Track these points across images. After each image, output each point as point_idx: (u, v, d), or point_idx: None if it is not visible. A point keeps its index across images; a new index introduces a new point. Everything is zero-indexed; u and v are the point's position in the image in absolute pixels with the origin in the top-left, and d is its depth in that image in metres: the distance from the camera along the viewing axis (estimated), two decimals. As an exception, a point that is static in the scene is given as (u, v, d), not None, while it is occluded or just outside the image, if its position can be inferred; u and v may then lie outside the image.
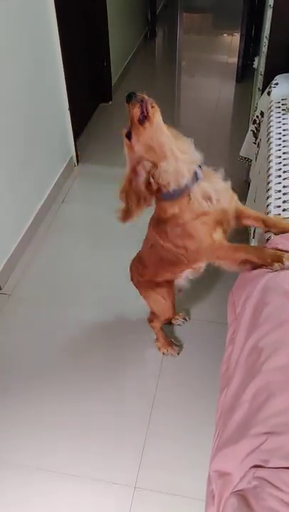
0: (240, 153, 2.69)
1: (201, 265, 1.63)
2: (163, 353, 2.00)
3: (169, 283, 1.77)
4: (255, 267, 1.40)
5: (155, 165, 1.37)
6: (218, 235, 1.43)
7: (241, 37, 4.17)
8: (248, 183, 2.86)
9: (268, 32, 2.42)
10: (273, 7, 2.34)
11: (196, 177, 1.40)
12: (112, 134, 3.65)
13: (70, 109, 2.95)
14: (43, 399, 1.86)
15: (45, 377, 1.94)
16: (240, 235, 2.47)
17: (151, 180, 1.39)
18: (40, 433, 1.76)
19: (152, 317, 1.93)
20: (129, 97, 1.40)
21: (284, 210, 1.60)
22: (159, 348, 2.01)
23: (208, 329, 2.10)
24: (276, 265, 1.34)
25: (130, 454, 1.69)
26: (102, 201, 2.92)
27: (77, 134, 3.21)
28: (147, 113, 1.36)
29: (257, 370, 1.09)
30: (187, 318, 2.15)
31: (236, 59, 4.35)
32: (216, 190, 1.42)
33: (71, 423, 1.79)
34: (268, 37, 2.44)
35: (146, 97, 1.38)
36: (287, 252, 1.37)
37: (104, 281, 2.35)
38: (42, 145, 2.68)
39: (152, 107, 1.37)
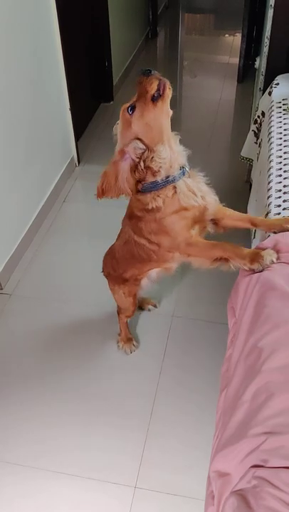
0: (242, 154, 2.69)
1: (172, 265, 1.62)
2: (118, 347, 2.01)
3: (135, 282, 1.76)
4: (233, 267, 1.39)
5: (149, 148, 1.32)
6: (195, 232, 1.42)
7: (243, 37, 4.16)
8: (249, 184, 2.87)
9: (269, 32, 2.42)
10: (274, 7, 2.34)
11: (182, 172, 1.38)
12: (114, 134, 3.66)
13: (72, 109, 2.95)
14: (43, 398, 1.86)
15: (46, 377, 1.94)
16: (242, 236, 2.48)
17: (140, 164, 1.32)
18: (40, 432, 1.76)
19: (119, 310, 1.95)
20: (148, 72, 1.34)
21: (284, 209, 1.60)
22: (117, 341, 2.03)
23: (208, 329, 2.09)
24: (256, 265, 1.31)
25: (130, 454, 1.69)
26: (102, 201, 2.91)
27: (78, 134, 3.21)
28: (164, 91, 1.32)
29: (257, 371, 1.09)
30: (157, 305, 2.19)
31: (238, 59, 4.35)
32: (199, 189, 1.42)
33: (71, 422, 1.79)
34: (268, 37, 2.44)
35: (163, 78, 1.33)
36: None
37: (104, 281, 2.35)
38: (43, 145, 2.69)
39: (169, 88, 1.33)
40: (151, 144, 1.31)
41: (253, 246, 1.89)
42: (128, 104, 1.34)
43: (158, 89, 1.32)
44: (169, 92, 1.33)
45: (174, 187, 1.37)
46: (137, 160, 1.32)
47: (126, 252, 1.64)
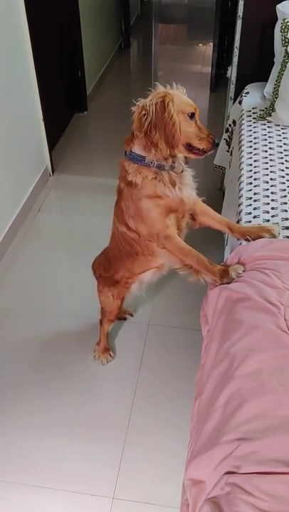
0: (214, 162, 2.72)
1: (161, 261, 1.65)
2: (94, 357, 2.02)
3: (126, 284, 1.78)
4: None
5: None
6: (171, 222, 1.47)
7: (214, 47, 4.23)
8: (222, 191, 2.90)
9: (238, 42, 2.47)
10: (242, 18, 2.38)
11: (172, 167, 1.46)
12: (88, 144, 3.67)
13: (44, 119, 2.95)
14: (18, 410, 1.84)
15: (22, 388, 1.92)
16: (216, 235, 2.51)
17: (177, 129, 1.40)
18: (16, 445, 1.73)
19: (102, 317, 1.96)
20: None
21: (254, 217, 1.62)
22: (94, 351, 2.03)
23: (184, 337, 2.10)
24: (225, 279, 1.41)
25: (108, 465, 1.68)
26: (77, 211, 2.93)
27: (52, 144, 3.21)
28: None
29: (229, 377, 1.10)
30: (133, 314, 2.20)
31: (210, 68, 4.41)
32: (180, 181, 1.48)
33: (47, 434, 1.77)
34: (238, 47, 2.48)
35: None
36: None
37: (81, 291, 2.34)
38: (17, 155, 2.67)
39: None
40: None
41: (226, 252, 1.91)
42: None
43: None
44: None
45: (156, 173, 1.43)
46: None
47: (114, 247, 1.70)
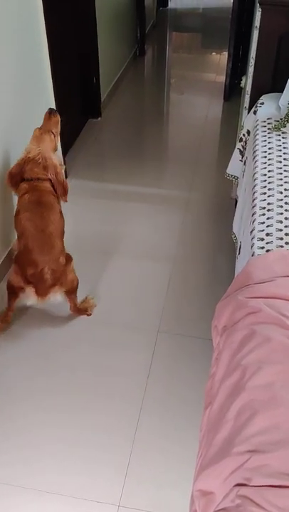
0: (227, 171, 2.72)
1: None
2: None
3: None
4: None
5: None
6: None
7: (229, 57, 4.25)
8: (235, 200, 2.90)
9: (254, 53, 2.47)
10: (259, 28, 2.39)
11: None
12: (101, 150, 3.69)
13: (60, 124, 2.96)
14: (26, 416, 1.84)
15: (29, 394, 1.92)
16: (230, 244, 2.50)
17: None
18: (23, 450, 1.73)
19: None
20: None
21: (268, 226, 1.62)
22: None
23: (193, 345, 2.10)
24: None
25: (114, 472, 1.67)
26: (89, 215, 2.94)
27: (66, 149, 3.23)
28: None
29: (241, 388, 1.09)
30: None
31: (224, 77, 4.43)
32: None
33: (54, 441, 1.76)
34: (254, 57, 2.49)
35: None
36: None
37: (91, 293, 2.35)
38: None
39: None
40: None
41: (238, 262, 1.91)
42: None
43: None
44: None
45: None
46: None
47: None
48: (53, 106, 2.87)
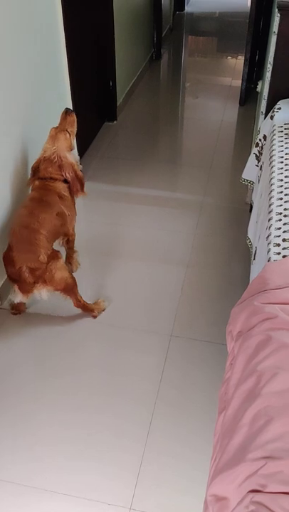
0: (243, 176, 2.72)
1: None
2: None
3: None
4: None
5: None
6: None
7: (245, 61, 4.24)
8: (249, 205, 2.90)
9: (272, 58, 2.47)
10: (277, 34, 2.39)
11: None
12: (116, 153, 3.70)
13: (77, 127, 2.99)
14: (38, 415, 1.85)
15: (41, 393, 1.93)
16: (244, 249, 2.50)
17: None
18: (34, 449, 1.74)
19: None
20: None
21: (284, 231, 1.62)
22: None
23: (207, 349, 2.09)
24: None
25: (126, 474, 1.67)
26: (103, 218, 2.95)
27: (82, 151, 3.25)
28: None
29: (256, 394, 1.09)
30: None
31: (240, 82, 4.42)
32: None
33: (65, 441, 1.77)
34: (271, 63, 2.49)
35: None
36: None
37: (103, 295, 2.36)
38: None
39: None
40: None
41: (253, 267, 1.90)
42: None
43: None
44: None
45: None
46: None
47: None
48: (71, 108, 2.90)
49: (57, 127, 2.25)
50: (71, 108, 2.43)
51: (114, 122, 4.05)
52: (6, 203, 2.29)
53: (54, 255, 2.06)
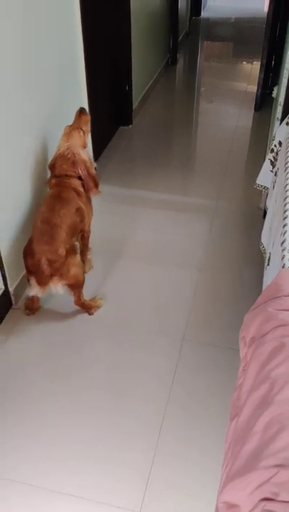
0: (257, 181, 2.71)
1: None
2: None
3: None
4: None
5: None
6: None
7: (261, 67, 4.24)
8: (263, 211, 2.89)
9: (289, 64, 2.46)
10: (295, 40, 2.38)
11: None
12: (130, 157, 3.72)
13: (91, 130, 3.00)
14: (48, 416, 1.86)
15: (52, 395, 1.94)
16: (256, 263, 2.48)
17: None
18: (41, 449, 1.75)
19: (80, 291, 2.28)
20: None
21: (300, 239, 1.61)
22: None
23: (219, 354, 2.09)
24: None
25: (136, 477, 1.67)
26: (117, 221, 2.96)
27: (97, 155, 3.27)
28: None
29: (269, 402, 1.08)
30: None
31: (255, 87, 4.42)
32: None
33: (75, 442, 1.77)
34: (288, 68, 2.48)
35: None
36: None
37: (115, 299, 2.36)
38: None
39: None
40: None
41: (266, 274, 1.89)
42: None
43: None
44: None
45: None
46: None
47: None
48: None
49: (71, 125, 2.29)
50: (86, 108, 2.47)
51: (130, 126, 4.07)
52: (26, 200, 2.33)
53: (72, 250, 2.13)
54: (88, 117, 2.35)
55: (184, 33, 6.14)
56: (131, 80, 3.87)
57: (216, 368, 2.03)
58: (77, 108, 2.36)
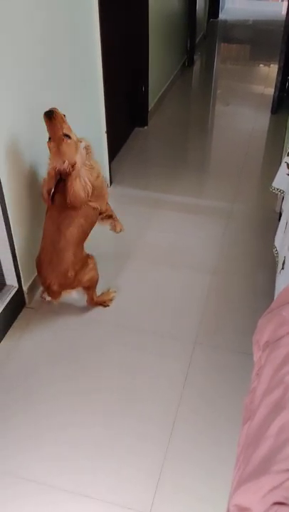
0: (273, 184, 2.69)
1: None
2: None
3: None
4: None
5: None
6: None
7: (279, 70, 4.22)
8: (279, 214, 2.87)
9: (307, 67, 2.45)
10: (314, 43, 2.37)
11: None
12: (145, 158, 3.72)
13: (108, 131, 3.02)
14: (60, 416, 1.87)
15: (65, 394, 1.95)
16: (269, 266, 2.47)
17: None
18: (51, 448, 1.76)
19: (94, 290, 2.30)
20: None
21: (316, 244, 1.60)
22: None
23: (232, 358, 2.08)
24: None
25: (146, 478, 1.67)
26: (130, 222, 2.96)
27: (112, 155, 3.27)
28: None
29: (283, 406, 1.08)
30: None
31: (272, 90, 4.40)
32: None
33: (86, 440, 1.78)
34: (306, 72, 2.47)
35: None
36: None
37: (126, 302, 2.37)
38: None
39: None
40: None
41: (279, 278, 1.88)
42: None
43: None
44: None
45: None
46: None
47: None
48: (103, 113, 2.93)
49: (51, 140, 1.91)
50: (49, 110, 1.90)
51: (145, 127, 4.07)
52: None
53: (83, 262, 2.13)
54: (60, 116, 1.90)
55: (201, 35, 6.13)
56: (147, 81, 3.88)
57: (227, 372, 2.03)
58: (94, 109, 2.23)
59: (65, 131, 1.90)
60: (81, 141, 2.01)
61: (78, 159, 1.96)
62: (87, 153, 2.04)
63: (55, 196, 2.01)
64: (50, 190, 1.98)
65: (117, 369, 2.06)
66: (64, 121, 1.91)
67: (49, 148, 1.92)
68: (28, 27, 1.99)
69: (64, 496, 1.62)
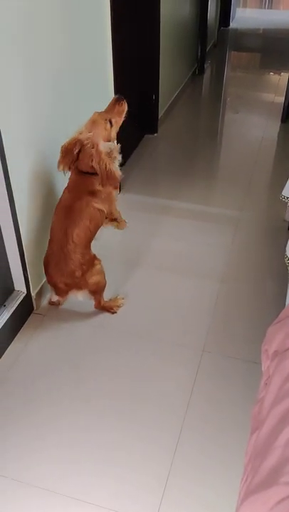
0: (283, 193, 2.68)
1: None
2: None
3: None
4: None
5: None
6: None
7: (289, 78, 4.22)
8: (288, 223, 2.87)
9: None
10: None
11: None
12: (155, 165, 3.73)
13: (118, 138, 3.02)
14: (64, 421, 1.86)
15: (70, 399, 1.94)
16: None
17: None
18: (57, 453, 1.75)
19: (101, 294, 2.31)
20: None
21: None
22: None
23: (240, 367, 2.07)
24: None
25: (153, 484, 1.66)
26: (139, 229, 2.97)
27: (121, 163, 3.28)
28: None
29: (291, 416, 1.07)
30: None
31: (282, 99, 4.40)
32: None
33: (92, 445, 1.78)
34: (317, 81, 2.47)
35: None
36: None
37: (133, 305, 2.37)
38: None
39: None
40: None
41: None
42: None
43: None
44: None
45: None
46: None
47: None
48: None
49: (100, 113, 2.08)
50: (122, 96, 2.17)
51: (155, 135, 4.09)
52: (51, 201, 2.34)
53: (90, 262, 2.14)
54: (124, 108, 2.13)
55: (212, 43, 6.16)
56: (158, 89, 3.90)
57: (236, 380, 2.01)
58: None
59: (114, 119, 2.08)
60: (112, 142, 2.12)
61: (101, 144, 2.02)
62: (109, 156, 2.07)
63: (68, 193, 2.09)
64: (66, 150, 2.01)
65: (124, 375, 2.06)
66: (121, 114, 2.12)
67: (91, 118, 2.05)
68: (49, 42, 2.02)
69: (66, 501, 1.62)
